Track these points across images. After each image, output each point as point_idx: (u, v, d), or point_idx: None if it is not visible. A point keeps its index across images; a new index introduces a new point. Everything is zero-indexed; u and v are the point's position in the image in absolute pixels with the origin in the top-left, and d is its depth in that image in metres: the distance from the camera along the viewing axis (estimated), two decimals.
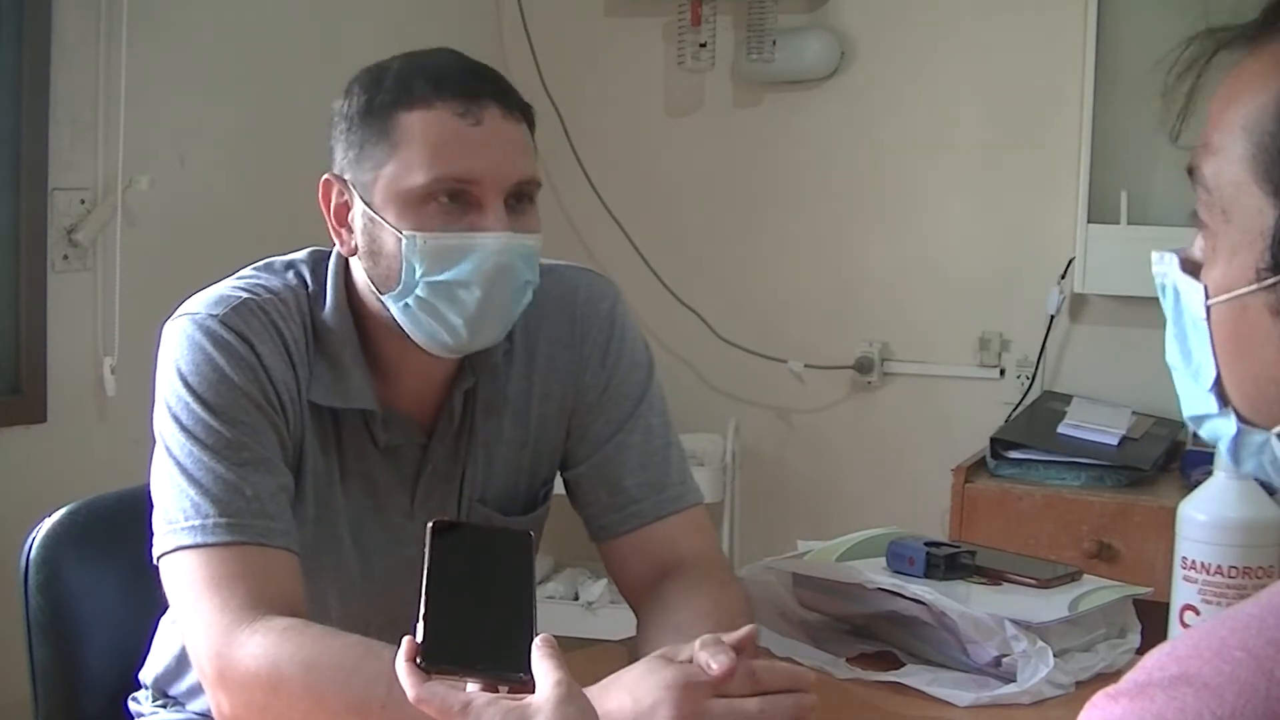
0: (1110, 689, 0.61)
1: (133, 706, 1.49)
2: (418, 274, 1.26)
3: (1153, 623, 1.45)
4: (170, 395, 1.27)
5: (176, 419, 1.25)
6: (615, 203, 3.23)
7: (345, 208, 1.31)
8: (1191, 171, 0.76)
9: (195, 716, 1.44)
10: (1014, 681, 1.32)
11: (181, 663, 1.43)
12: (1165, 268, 0.81)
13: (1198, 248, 0.78)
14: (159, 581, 1.26)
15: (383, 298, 1.30)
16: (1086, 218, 2.81)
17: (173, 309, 1.33)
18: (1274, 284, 0.71)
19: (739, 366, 3.24)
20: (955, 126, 3.05)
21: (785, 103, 3.18)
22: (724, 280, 3.26)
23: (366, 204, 1.28)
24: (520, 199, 1.29)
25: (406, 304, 1.28)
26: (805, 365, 3.18)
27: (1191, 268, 0.79)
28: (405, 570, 1.39)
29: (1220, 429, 0.79)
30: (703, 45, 3.15)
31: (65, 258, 2.35)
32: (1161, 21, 2.59)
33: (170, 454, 1.25)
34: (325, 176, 1.33)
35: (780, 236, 3.22)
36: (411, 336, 1.30)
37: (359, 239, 1.30)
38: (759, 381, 3.24)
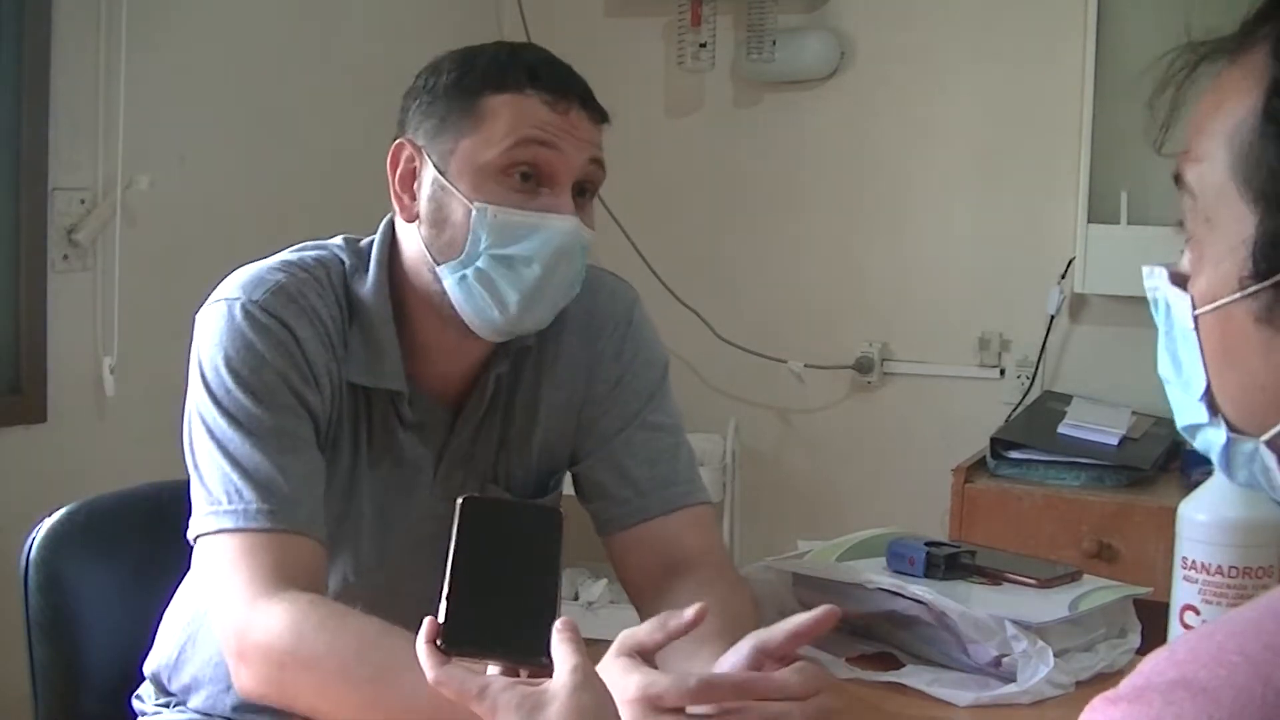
0: (1109, 693, 0.61)
1: (136, 704, 1.49)
2: (482, 245, 1.29)
3: (1153, 623, 1.45)
4: (212, 378, 1.28)
5: (219, 403, 1.27)
6: (615, 203, 3.23)
7: (412, 174, 1.34)
8: (1177, 179, 0.78)
9: (198, 716, 1.44)
10: (1014, 681, 1.32)
11: (184, 655, 1.44)
12: (1156, 281, 0.82)
13: (1186, 261, 0.79)
14: (159, 581, 1.27)
15: (439, 268, 1.32)
16: (1086, 218, 2.81)
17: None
18: (1256, 291, 0.72)
19: (739, 366, 3.24)
20: (955, 126, 3.05)
21: (785, 103, 3.19)
22: (724, 280, 3.26)
23: (441, 172, 1.31)
24: (584, 192, 1.34)
25: (464, 275, 1.30)
26: (805, 365, 3.18)
27: (1180, 280, 0.80)
28: (419, 547, 1.39)
29: (1211, 439, 0.80)
30: (703, 45, 3.15)
31: (65, 258, 2.35)
32: (1161, 22, 2.59)
33: (212, 436, 1.27)
34: (399, 140, 1.35)
35: (780, 236, 3.22)
36: (460, 311, 1.32)
37: (423, 206, 1.33)
38: (759, 381, 3.24)
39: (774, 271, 3.22)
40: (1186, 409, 0.81)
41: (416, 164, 1.33)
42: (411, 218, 1.34)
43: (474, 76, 1.31)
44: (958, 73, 3.04)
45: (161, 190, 2.45)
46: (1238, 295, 0.73)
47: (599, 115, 1.36)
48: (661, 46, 3.26)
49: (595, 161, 1.35)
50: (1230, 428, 0.78)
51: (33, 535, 1.49)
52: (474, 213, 1.28)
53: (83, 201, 2.37)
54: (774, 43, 3.08)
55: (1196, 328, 0.77)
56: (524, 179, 1.29)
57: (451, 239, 1.31)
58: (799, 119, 3.18)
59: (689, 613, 1.07)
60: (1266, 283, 0.71)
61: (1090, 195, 2.81)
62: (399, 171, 1.35)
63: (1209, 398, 0.79)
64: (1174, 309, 0.80)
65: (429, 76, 1.34)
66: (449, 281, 1.31)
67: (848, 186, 3.15)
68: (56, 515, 1.50)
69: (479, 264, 1.29)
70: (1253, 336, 0.73)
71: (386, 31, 2.98)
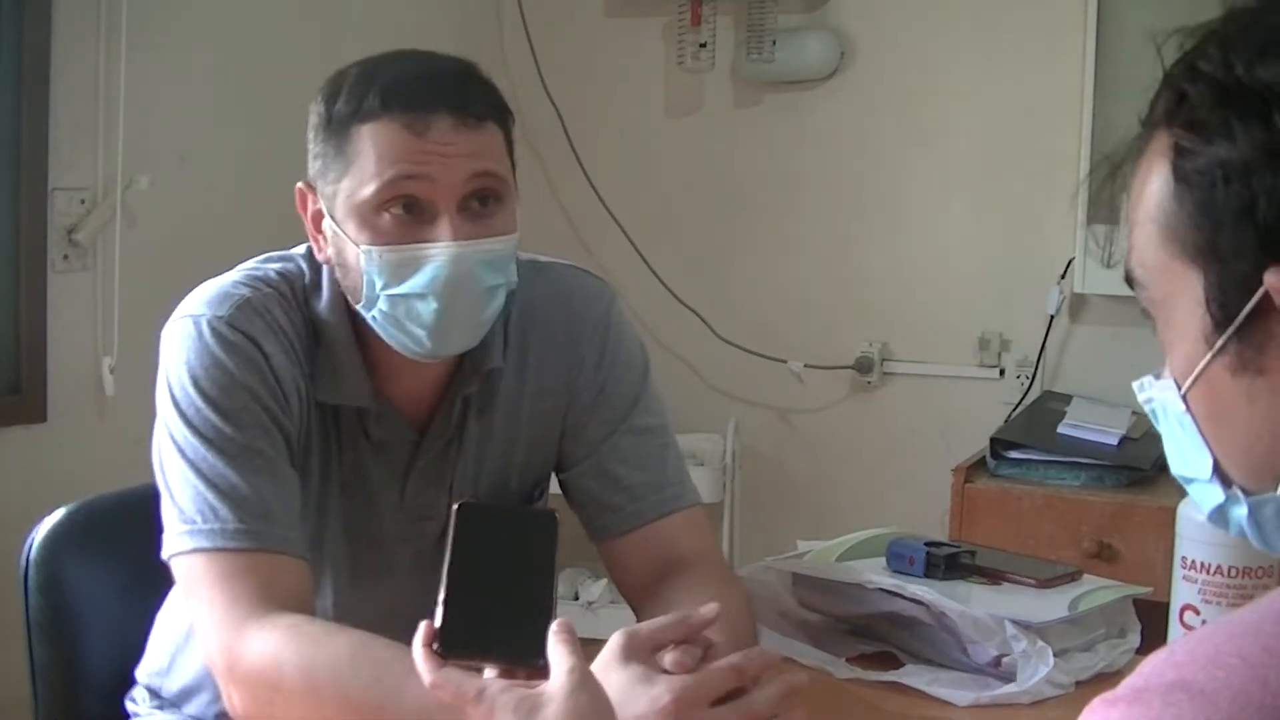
0: (1108, 695, 0.61)
1: (129, 706, 1.49)
2: (378, 287, 1.26)
3: (1153, 623, 1.45)
4: (181, 397, 1.27)
5: (189, 422, 1.25)
6: (615, 203, 3.23)
7: (320, 215, 1.31)
8: (1129, 280, 0.81)
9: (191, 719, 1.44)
10: (1014, 681, 1.32)
11: (175, 661, 1.43)
12: (1148, 392, 0.83)
13: (1168, 365, 0.80)
14: (159, 581, 1.26)
15: (356, 307, 1.30)
16: (1086, 218, 2.81)
17: (174, 307, 1.33)
18: (1225, 345, 0.73)
19: (739, 366, 3.24)
20: (955, 126, 3.05)
21: (785, 103, 3.19)
22: (724, 280, 3.26)
23: (331, 217, 1.29)
24: (484, 201, 1.27)
25: (374, 315, 1.28)
26: (805, 365, 3.18)
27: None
28: (395, 563, 1.39)
29: (1236, 514, 0.80)
30: (703, 45, 3.15)
31: (65, 258, 2.35)
32: (1161, 22, 2.58)
33: (184, 455, 1.25)
34: (299, 185, 1.33)
35: (780, 236, 3.22)
36: (386, 342, 1.31)
37: (330, 250, 1.31)
38: (759, 381, 3.24)
39: (774, 271, 3.22)
40: (1205, 495, 0.81)
41: (319, 206, 1.31)
42: (327, 260, 1.32)
43: (338, 107, 1.26)
44: (958, 73, 3.03)
45: (161, 190, 2.45)
46: (1209, 355, 0.74)
47: (482, 116, 1.26)
48: (661, 46, 3.26)
49: (482, 174, 1.25)
50: (1247, 494, 0.78)
51: (32, 535, 1.48)
52: (362, 256, 1.25)
53: (83, 201, 2.37)
54: (774, 43, 3.08)
55: (1188, 408, 0.78)
56: (407, 209, 1.24)
57: (354, 283, 1.28)
58: (799, 119, 3.18)
59: (707, 610, 1.08)
60: (1230, 330, 0.72)
61: (1090, 195, 2.80)
62: (309, 214, 1.32)
63: (1218, 472, 0.79)
64: (1167, 403, 0.81)
65: (311, 110, 1.30)
66: (367, 319, 1.30)
67: (848, 186, 3.15)
68: (56, 515, 1.50)
69: (380, 306, 1.27)
70: (1235, 391, 0.74)
71: (387, 31, 2.97)
